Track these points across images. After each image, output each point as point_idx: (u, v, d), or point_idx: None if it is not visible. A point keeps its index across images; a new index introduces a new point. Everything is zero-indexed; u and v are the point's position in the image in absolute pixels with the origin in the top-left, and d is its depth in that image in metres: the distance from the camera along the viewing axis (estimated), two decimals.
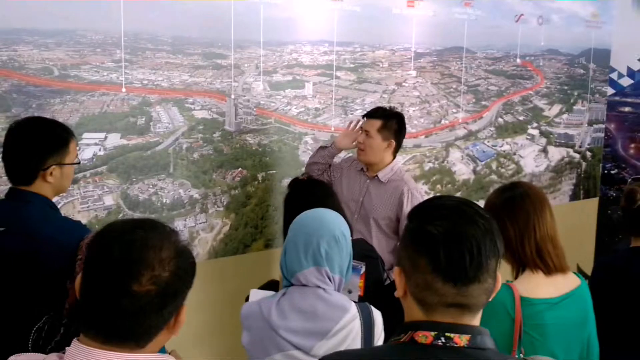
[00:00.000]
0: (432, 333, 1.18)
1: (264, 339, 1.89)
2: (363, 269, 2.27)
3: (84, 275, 1.21)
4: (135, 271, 1.15)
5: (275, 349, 1.87)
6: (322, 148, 3.38)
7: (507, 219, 1.98)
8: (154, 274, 1.16)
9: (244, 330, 1.96)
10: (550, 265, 1.99)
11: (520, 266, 2.03)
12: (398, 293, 1.26)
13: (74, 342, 1.19)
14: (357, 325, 1.88)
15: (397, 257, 1.29)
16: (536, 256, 1.99)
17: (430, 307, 1.20)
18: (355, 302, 1.95)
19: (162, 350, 1.73)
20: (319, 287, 1.90)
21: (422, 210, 1.27)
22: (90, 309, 1.18)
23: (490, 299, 1.23)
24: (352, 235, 2.11)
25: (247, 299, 2.62)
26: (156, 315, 1.18)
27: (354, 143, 3.27)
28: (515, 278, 2.04)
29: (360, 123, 3.31)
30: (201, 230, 3.28)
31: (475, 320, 1.23)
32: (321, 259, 1.90)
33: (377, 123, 3.17)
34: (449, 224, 1.19)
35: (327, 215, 2.00)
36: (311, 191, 2.53)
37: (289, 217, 2.43)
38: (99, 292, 1.17)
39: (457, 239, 1.17)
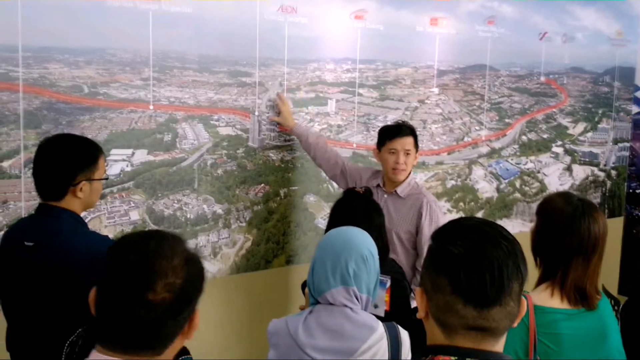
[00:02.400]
0: (452, 358, 1.17)
1: (290, 357, 1.90)
2: (389, 283, 2.27)
3: (99, 287, 1.24)
4: (150, 280, 1.19)
5: None
6: (302, 143, 3.42)
7: (562, 233, 1.96)
8: (167, 281, 1.20)
9: (270, 347, 1.97)
10: (579, 302, 1.96)
11: (547, 281, 2.00)
12: (420, 314, 1.25)
13: (93, 352, 1.23)
14: (384, 345, 1.88)
15: (420, 277, 1.28)
16: (575, 291, 1.96)
17: (451, 329, 1.19)
18: (382, 321, 1.95)
19: (186, 352, 1.77)
20: (346, 306, 1.91)
21: (445, 230, 1.26)
22: (108, 320, 1.21)
23: (514, 324, 1.21)
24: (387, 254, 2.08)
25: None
26: (172, 322, 1.22)
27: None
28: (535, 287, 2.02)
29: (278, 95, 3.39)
30: (224, 246, 3.31)
31: (498, 346, 1.20)
32: (349, 278, 1.90)
33: (411, 140, 3.19)
34: (470, 244, 1.17)
35: (355, 235, 2.00)
36: (357, 205, 2.54)
37: (330, 226, 2.47)
38: (116, 303, 1.20)
39: (478, 259, 1.16)
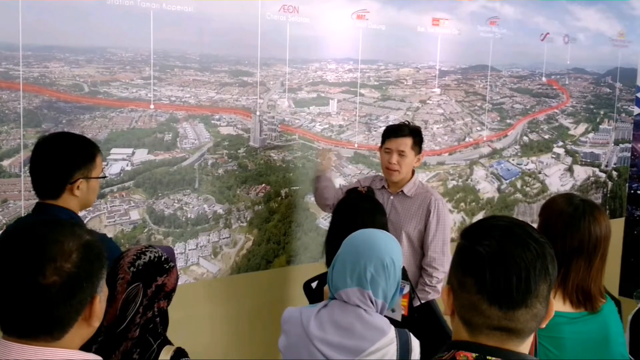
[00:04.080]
0: (474, 355, 1.15)
1: (298, 346, 1.91)
2: (407, 289, 2.25)
3: None
4: (39, 265, 1.20)
5: (308, 357, 1.88)
6: (316, 180, 3.41)
7: (563, 233, 1.94)
8: (56, 265, 1.20)
9: (282, 333, 1.99)
10: (585, 304, 1.94)
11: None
12: (446, 311, 1.24)
13: (0, 340, 1.24)
14: (392, 349, 1.86)
15: (448, 275, 1.27)
16: (578, 293, 1.93)
17: (476, 328, 1.17)
18: (395, 327, 1.93)
19: (184, 354, 1.76)
20: (359, 306, 1.90)
21: (474, 229, 1.24)
22: (3, 306, 1.22)
23: (542, 326, 1.19)
24: None
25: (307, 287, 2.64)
26: (64, 305, 1.22)
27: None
28: None
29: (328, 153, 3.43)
30: (224, 246, 3.30)
31: (523, 347, 1.19)
32: (365, 282, 1.89)
33: (409, 141, 3.15)
34: (497, 244, 1.16)
35: (380, 239, 1.97)
36: (360, 205, 2.52)
37: (333, 225, 2.45)
38: (7, 289, 1.21)
39: (505, 260, 1.14)
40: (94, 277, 1.27)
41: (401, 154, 3.13)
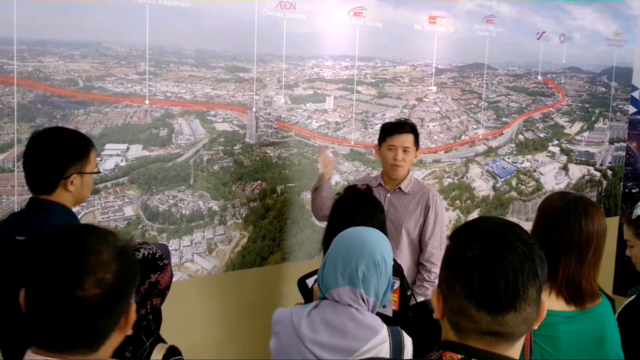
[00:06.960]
0: (459, 356, 1.14)
1: (290, 347, 1.89)
2: (397, 284, 2.24)
3: (26, 287, 1.19)
4: (78, 277, 1.14)
5: (300, 359, 1.86)
6: (316, 190, 3.32)
7: (553, 228, 1.93)
8: (97, 277, 1.15)
9: (272, 335, 1.97)
10: (575, 299, 1.92)
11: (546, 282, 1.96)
12: (436, 315, 1.23)
13: (28, 352, 1.18)
14: (385, 348, 1.85)
15: (438, 278, 1.25)
16: (567, 284, 1.91)
17: (464, 332, 1.16)
18: (387, 323, 1.92)
19: (177, 352, 1.75)
20: (351, 305, 1.88)
21: (462, 231, 1.22)
22: (38, 319, 1.17)
23: (533, 328, 1.18)
24: None
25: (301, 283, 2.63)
26: (105, 318, 1.18)
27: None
28: None
29: (326, 151, 3.41)
30: (219, 242, 3.28)
31: (512, 350, 1.17)
32: (357, 280, 1.87)
33: (411, 137, 3.16)
34: (485, 247, 1.14)
35: (371, 237, 1.96)
36: (358, 202, 2.50)
37: (331, 223, 2.44)
38: (45, 302, 1.15)
39: (492, 264, 1.12)
40: (131, 286, 1.23)
41: (406, 150, 3.14)
